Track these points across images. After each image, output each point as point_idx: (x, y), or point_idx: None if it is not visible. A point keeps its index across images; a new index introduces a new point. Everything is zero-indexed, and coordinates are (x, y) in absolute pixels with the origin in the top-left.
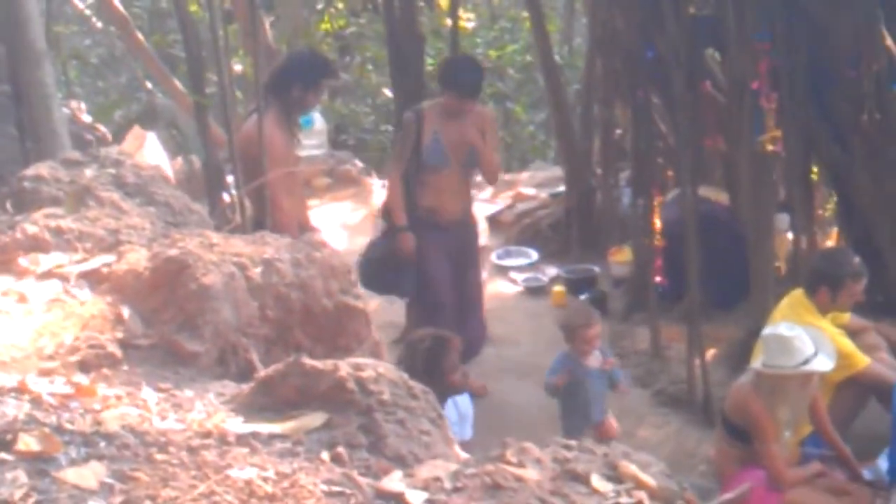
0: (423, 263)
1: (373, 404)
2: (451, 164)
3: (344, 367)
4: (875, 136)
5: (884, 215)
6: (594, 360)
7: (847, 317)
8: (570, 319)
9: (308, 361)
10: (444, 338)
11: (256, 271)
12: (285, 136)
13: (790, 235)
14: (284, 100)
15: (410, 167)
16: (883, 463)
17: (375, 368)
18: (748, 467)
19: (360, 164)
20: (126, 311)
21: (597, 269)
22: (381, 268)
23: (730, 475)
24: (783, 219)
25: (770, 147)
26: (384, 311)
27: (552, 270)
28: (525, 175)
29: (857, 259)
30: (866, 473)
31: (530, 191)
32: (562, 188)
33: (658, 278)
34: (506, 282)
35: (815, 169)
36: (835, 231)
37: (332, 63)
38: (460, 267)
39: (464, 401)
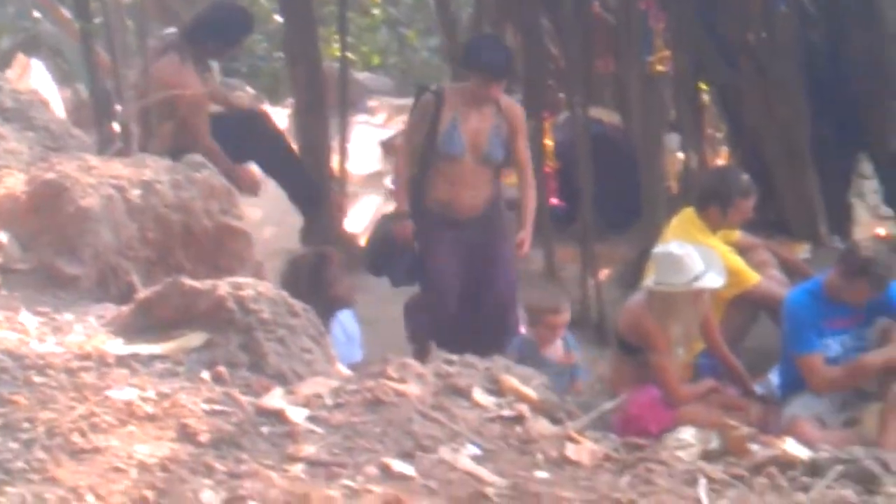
0: (429, 263)
1: (253, 323)
2: (467, 154)
3: (223, 286)
4: (763, 55)
5: (772, 134)
6: (554, 350)
7: (737, 234)
8: (538, 303)
9: (187, 282)
10: (325, 252)
11: (135, 193)
12: (199, 77)
13: (680, 155)
14: (199, 49)
15: (425, 154)
16: (774, 378)
17: (255, 288)
18: (642, 385)
19: (252, 91)
20: (3, 236)
21: None
22: (376, 248)
23: (624, 393)
24: (673, 139)
25: (659, 67)
26: (277, 238)
27: None
28: None
29: (746, 177)
30: (758, 389)
31: None
32: None
33: (552, 200)
34: None
35: (705, 89)
36: (725, 150)
37: (252, 19)
38: (476, 270)
39: (350, 321)
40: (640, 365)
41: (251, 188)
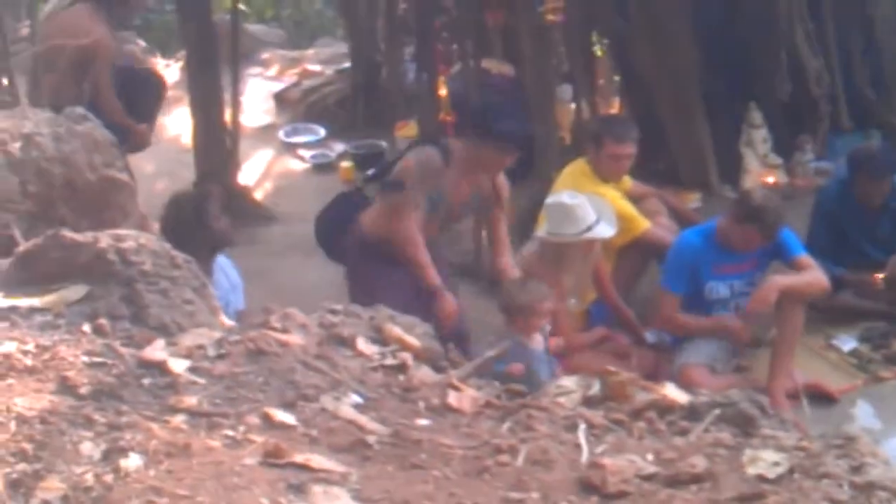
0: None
1: (134, 275)
2: (440, 216)
3: (104, 238)
4: (653, 5)
5: (664, 86)
6: (538, 341)
7: (629, 183)
8: (524, 297)
9: (68, 234)
10: (206, 188)
11: (16, 146)
12: (110, 30)
13: (573, 106)
14: (108, 3)
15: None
16: None
17: (137, 239)
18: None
19: (143, 44)
20: None
21: (384, 144)
22: (331, 230)
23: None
24: (566, 89)
25: (551, 18)
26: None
27: (340, 146)
28: (311, 52)
29: (626, 124)
30: (649, 337)
31: (317, 67)
32: (348, 64)
33: None
34: (294, 159)
35: (596, 39)
36: (617, 101)
37: None
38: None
39: (231, 270)
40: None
41: (141, 145)
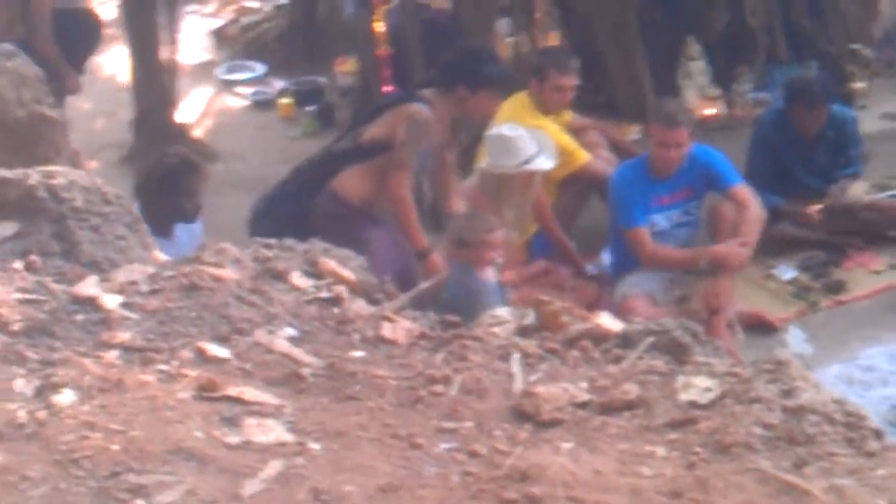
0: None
1: (65, 211)
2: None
3: (34, 175)
4: None
5: (602, 18)
6: (489, 274)
7: (568, 116)
8: (471, 228)
9: None
10: (192, 161)
11: None
12: None
13: (511, 39)
14: None
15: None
16: (606, 257)
17: (67, 176)
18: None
19: None
20: None
21: (323, 80)
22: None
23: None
24: (504, 23)
25: None
26: (107, 130)
27: (279, 83)
28: None
29: (567, 55)
30: (590, 269)
31: (254, 4)
32: (286, 0)
33: (386, 87)
34: (232, 96)
35: None
36: (555, 34)
37: None
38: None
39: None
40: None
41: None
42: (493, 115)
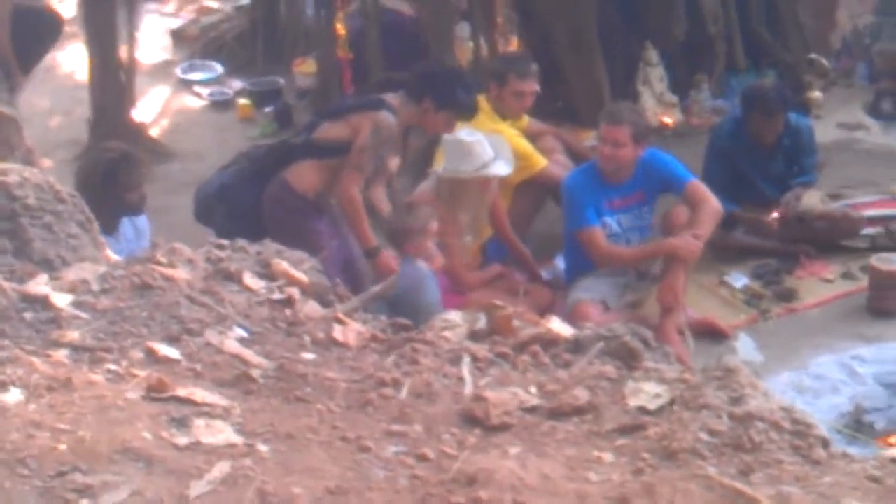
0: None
1: (17, 209)
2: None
3: None
4: None
5: (561, 22)
6: (423, 264)
7: (526, 121)
8: (413, 220)
9: None
10: (130, 154)
11: None
12: None
13: (471, 43)
14: None
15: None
16: (560, 263)
17: (21, 173)
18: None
19: None
20: None
21: (282, 81)
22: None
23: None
24: (464, 27)
25: None
26: (64, 128)
27: (238, 84)
28: None
29: (527, 60)
30: (545, 274)
31: (214, 4)
32: (246, 0)
33: (345, 89)
34: (191, 96)
35: None
36: (515, 38)
37: None
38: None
39: (141, 219)
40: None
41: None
42: (446, 133)
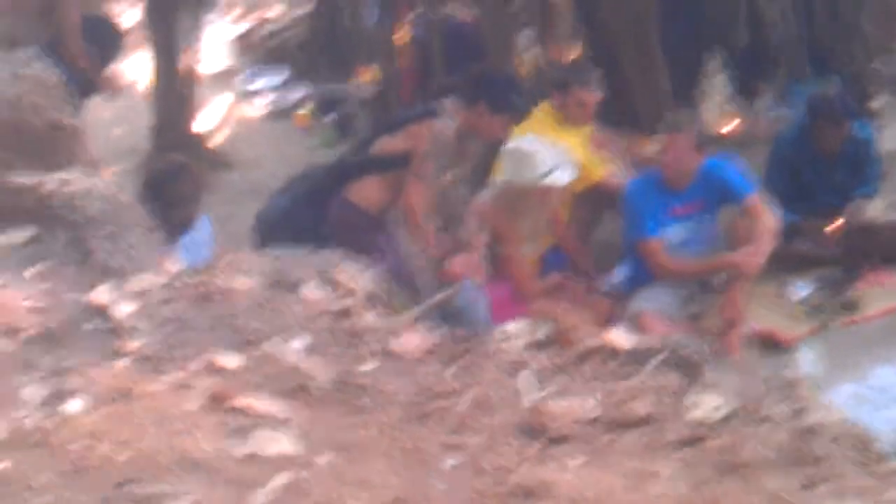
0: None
1: (80, 220)
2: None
3: (50, 182)
4: None
5: (624, 32)
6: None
7: (589, 129)
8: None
9: (13, 178)
10: (180, 168)
11: None
12: None
13: (535, 51)
14: None
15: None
16: (621, 272)
17: (84, 184)
18: (493, 280)
19: None
20: None
21: (345, 89)
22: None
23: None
24: (526, 35)
25: None
26: (126, 136)
27: (300, 92)
28: None
29: (589, 69)
30: (605, 284)
31: (278, 12)
32: (310, 8)
33: (406, 98)
34: (252, 105)
35: None
36: (577, 46)
37: None
38: None
39: (205, 225)
40: (492, 261)
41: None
42: (501, 139)
